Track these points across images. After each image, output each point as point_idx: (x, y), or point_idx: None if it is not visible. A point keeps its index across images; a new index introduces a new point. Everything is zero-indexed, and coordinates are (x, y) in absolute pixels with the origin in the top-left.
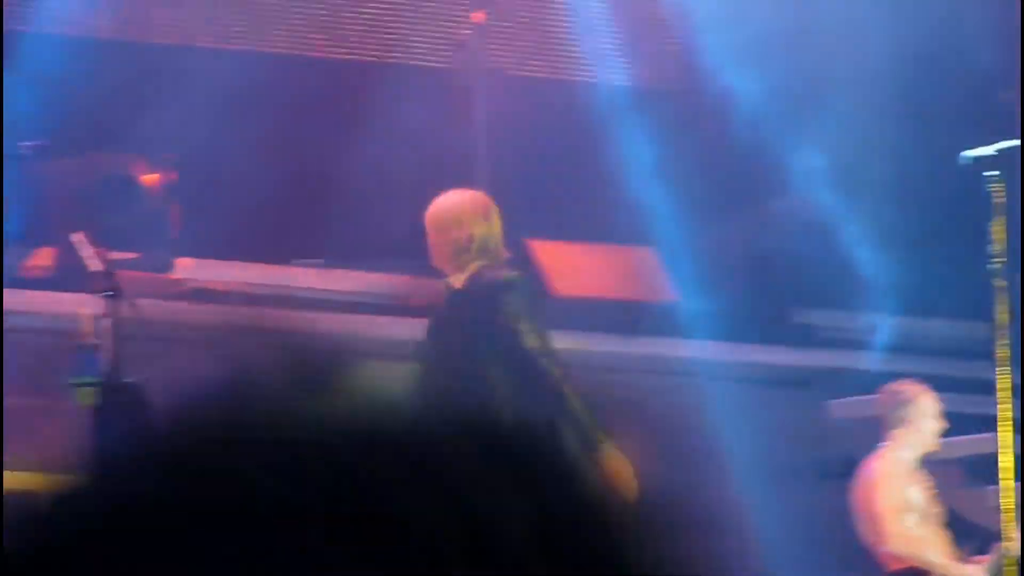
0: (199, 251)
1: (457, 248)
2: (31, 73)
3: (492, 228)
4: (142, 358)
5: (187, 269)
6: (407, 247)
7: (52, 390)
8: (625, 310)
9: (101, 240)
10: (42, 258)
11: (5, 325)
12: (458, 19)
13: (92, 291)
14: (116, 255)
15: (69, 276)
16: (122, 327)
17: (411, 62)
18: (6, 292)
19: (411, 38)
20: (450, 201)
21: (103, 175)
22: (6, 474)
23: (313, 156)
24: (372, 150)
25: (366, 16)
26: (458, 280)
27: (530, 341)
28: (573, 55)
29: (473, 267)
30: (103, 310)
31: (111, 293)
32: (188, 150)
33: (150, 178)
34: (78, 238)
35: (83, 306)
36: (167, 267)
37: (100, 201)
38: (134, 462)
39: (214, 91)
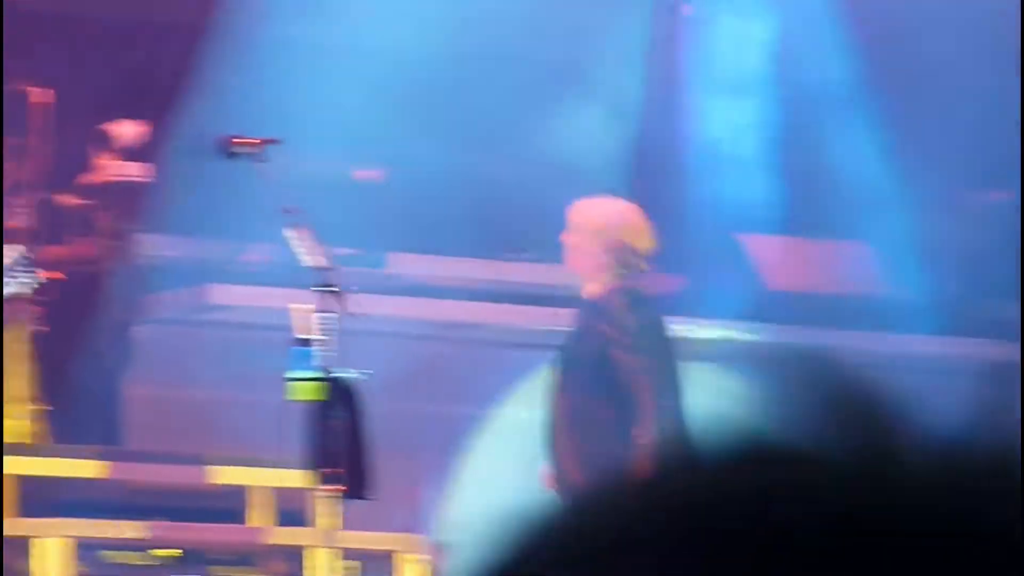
0: (413, 246)
1: (605, 256)
2: (248, 72)
3: (645, 241)
4: (358, 353)
5: (401, 264)
6: None
7: (268, 385)
8: (838, 304)
9: (317, 236)
10: (259, 254)
11: (225, 319)
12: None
13: (308, 286)
14: (332, 250)
15: (286, 271)
16: (338, 322)
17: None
18: (226, 287)
19: (608, 36)
20: (609, 208)
21: (319, 172)
22: (222, 469)
23: (520, 152)
24: (578, 147)
25: (566, 12)
26: (594, 288)
27: (631, 360)
28: (791, 49)
29: (612, 277)
30: (319, 305)
31: (327, 288)
32: (401, 146)
33: (366, 174)
34: (294, 233)
35: (299, 301)
36: (382, 263)
37: (316, 197)
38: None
39: (422, 89)
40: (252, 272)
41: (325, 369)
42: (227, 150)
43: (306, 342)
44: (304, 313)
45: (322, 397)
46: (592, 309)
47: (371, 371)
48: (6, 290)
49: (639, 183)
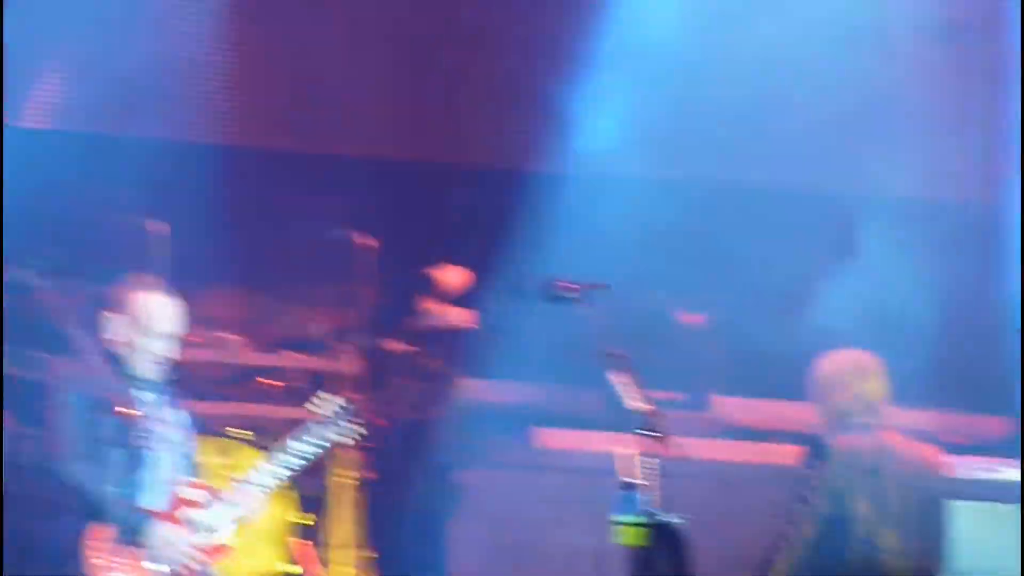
0: (736, 390)
1: (831, 406)
2: (570, 216)
3: (872, 389)
4: (682, 497)
5: (725, 408)
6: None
7: (594, 529)
8: None
9: (641, 379)
10: (584, 398)
11: (551, 463)
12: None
13: (633, 430)
14: (655, 394)
15: (610, 415)
16: (662, 466)
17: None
18: (552, 431)
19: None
20: (833, 364)
21: (642, 313)
22: None
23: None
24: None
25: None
26: (832, 439)
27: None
28: None
29: (835, 426)
30: (644, 448)
31: (651, 432)
32: (724, 290)
33: (689, 317)
34: (618, 377)
35: (624, 445)
36: (705, 405)
37: (639, 340)
38: None
39: (750, 231)
40: (577, 416)
41: (650, 513)
42: (551, 294)
43: (631, 486)
44: (629, 457)
45: (646, 542)
46: (825, 456)
47: (688, 515)
48: (329, 438)
49: (951, 335)
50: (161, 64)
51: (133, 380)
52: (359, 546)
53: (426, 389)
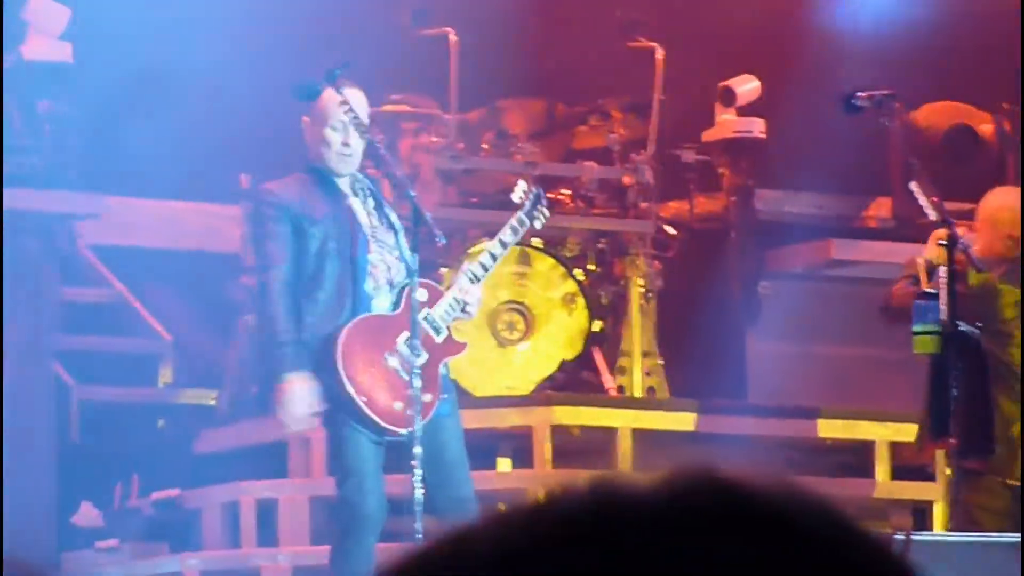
0: None
1: (1007, 246)
2: (865, 25)
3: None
4: (974, 307)
5: None
6: None
7: (893, 340)
8: None
9: (938, 190)
10: (880, 208)
11: (849, 274)
12: None
13: (929, 240)
14: (952, 205)
15: (908, 226)
16: (958, 276)
17: None
18: (849, 242)
19: None
20: (1009, 198)
21: (944, 126)
22: (838, 423)
23: None
24: None
25: None
26: (994, 273)
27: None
28: None
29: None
30: (940, 259)
31: (948, 242)
32: None
33: (987, 128)
34: (916, 187)
35: (921, 255)
36: None
37: (940, 151)
38: None
39: None
40: (875, 227)
41: (946, 323)
42: (847, 103)
43: (928, 295)
44: (928, 267)
45: (941, 351)
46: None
47: (981, 324)
48: (524, 223)
49: None
50: None
51: (341, 185)
52: (653, 355)
53: (722, 199)
